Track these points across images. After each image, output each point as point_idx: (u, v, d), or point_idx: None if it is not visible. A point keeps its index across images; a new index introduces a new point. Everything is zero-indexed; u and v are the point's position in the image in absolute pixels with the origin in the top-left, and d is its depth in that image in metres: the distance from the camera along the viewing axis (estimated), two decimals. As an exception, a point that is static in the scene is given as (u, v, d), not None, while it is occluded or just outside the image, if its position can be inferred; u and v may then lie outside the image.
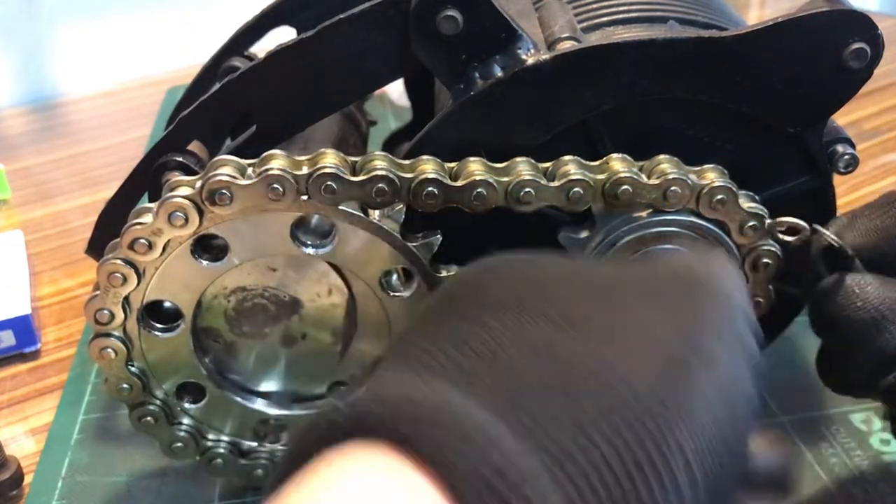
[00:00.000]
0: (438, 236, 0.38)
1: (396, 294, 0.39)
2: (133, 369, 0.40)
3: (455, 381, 0.23)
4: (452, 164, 0.37)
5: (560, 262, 0.29)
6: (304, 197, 0.36)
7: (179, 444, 0.42)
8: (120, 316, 0.38)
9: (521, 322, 0.25)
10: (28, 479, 0.46)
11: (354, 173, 0.36)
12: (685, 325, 0.25)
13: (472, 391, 0.23)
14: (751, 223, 0.37)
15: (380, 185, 0.35)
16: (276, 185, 0.35)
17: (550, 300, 0.26)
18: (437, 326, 0.26)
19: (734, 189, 0.36)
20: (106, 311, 0.38)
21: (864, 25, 0.36)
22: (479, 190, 0.36)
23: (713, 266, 0.29)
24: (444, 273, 0.38)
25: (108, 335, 0.39)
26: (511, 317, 0.25)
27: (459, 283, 0.29)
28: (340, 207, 0.36)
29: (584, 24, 0.39)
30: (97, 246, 0.45)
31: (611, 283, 0.27)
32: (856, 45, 0.36)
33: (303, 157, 0.36)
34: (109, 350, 0.39)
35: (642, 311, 0.26)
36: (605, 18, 0.40)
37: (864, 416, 0.46)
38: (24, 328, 0.55)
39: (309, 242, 0.38)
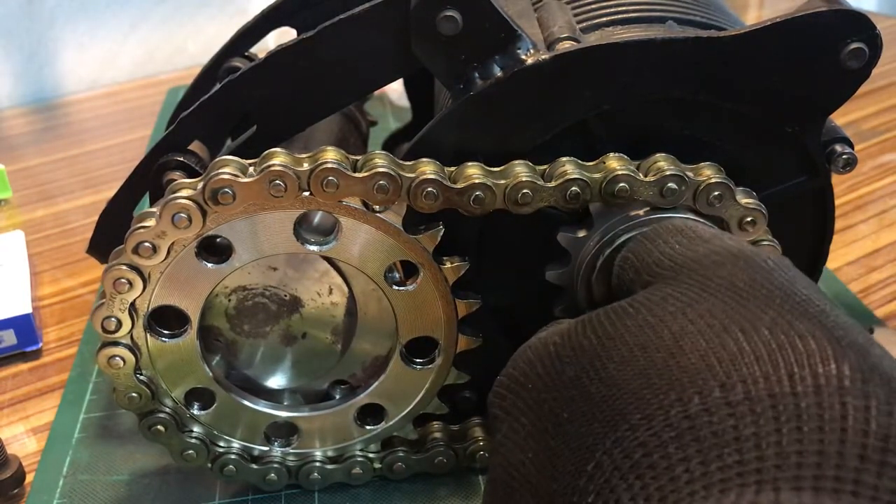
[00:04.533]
0: (441, 228, 0.38)
1: (401, 288, 0.39)
2: (141, 377, 0.40)
3: None
4: (451, 168, 0.37)
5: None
6: (306, 193, 0.36)
7: (191, 452, 0.42)
8: (127, 323, 0.38)
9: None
10: (29, 477, 0.47)
11: (356, 170, 0.36)
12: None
13: None
14: (749, 219, 0.37)
15: (381, 181, 0.36)
16: (277, 182, 0.35)
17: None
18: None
19: (731, 185, 0.36)
20: (113, 319, 0.38)
21: (862, 25, 0.36)
22: (477, 193, 0.36)
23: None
24: (447, 265, 0.38)
25: (116, 343, 0.38)
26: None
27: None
28: (343, 202, 0.37)
29: (584, 24, 0.40)
30: (98, 246, 0.46)
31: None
32: (854, 45, 0.36)
33: (304, 155, 0.36)
34: (118, 359, 0.38)
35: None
36: (604, 19, 0.40)
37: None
38: (25, 327, 0.56)
39: (312, 240, 0.38)
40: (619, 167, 0.36)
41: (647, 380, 0.24)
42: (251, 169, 0.36)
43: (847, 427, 0.21)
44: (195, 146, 0.42)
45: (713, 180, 0.36)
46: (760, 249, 0.29)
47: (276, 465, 0.43)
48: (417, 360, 0.41)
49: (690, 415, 0.22)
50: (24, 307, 0.56)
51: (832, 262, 0.59)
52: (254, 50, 0.54)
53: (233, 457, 0.42)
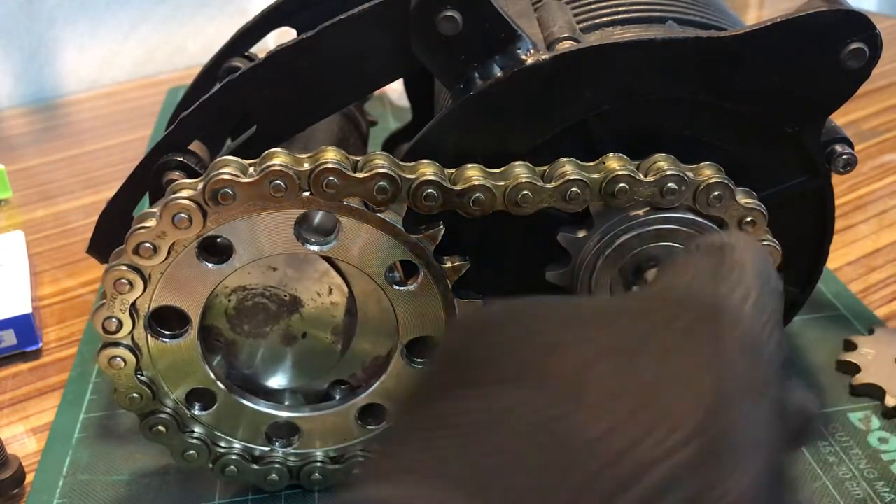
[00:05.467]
0: (441, 227, 0.38)
1: (402, 288, 0.39)
2: (142, 378, 0.40)
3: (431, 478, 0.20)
4: (451, 170, 0.37)
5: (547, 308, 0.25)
6: (306, 193, 0.36)
7: (192, 452, 0.42)
8: (128, 324, 0.38)
9: (504, 393, 0.21)
10: (29, 478, 0.47)
11: (356, 171, 0.36)
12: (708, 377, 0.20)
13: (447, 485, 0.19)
14: (749, 218, 0.37)
15: (381, 182, 0.36)
16: (278, 182, 0.35)
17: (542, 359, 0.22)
18: (415, 412, 0.23)
19: (731, 185, 0.36)
20: (114, 320, 0.38)
21: (862, 25, 0.36)
22: (477, 195, 0.36)
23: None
24: (448, 264, 0.38)
25: (117, 344, 0.38)
26: (496, 388, 0.22)
27: (441, 354, 0.25)
28: (343, 202, 0.37)
29: (584, 24, 0.40)
30: (98, 246, 0.46)
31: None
32: (854, 45, 0.36)
33: (304, 155, 0.36)
34: (119, 359, 0.38)
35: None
36: (604, 19, 0.40)
37: (863, 415, 0.46)
38: (25, 327, 0.56)
39: (312, 240, 0.38)
40: (618, 167, 0.36)
41: None
42: (251, 169, 0.36)
43: None
44: (195, 146, 0.42)
45: (713, 180, 0.36)
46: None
47: (277, 466, 0.43)
48: (418, 360, 0.41)
49: None
50: (24, 307, 0.56)
51: (832, 262, 0.59)
52: (254, 50, 0.54)
53: (234, 457, 0.42)
